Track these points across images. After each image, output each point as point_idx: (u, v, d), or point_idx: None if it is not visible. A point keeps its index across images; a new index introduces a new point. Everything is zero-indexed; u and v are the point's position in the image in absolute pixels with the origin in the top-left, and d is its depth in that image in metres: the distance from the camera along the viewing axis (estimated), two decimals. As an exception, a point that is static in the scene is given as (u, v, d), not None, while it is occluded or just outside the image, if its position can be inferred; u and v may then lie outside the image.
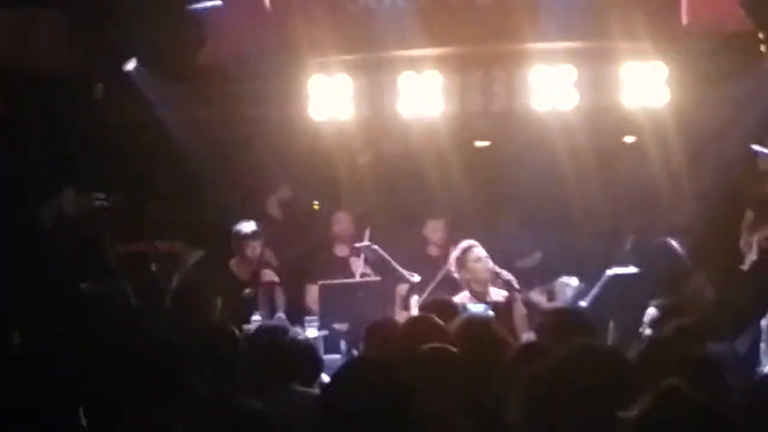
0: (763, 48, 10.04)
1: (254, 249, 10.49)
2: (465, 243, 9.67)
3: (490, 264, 9.55)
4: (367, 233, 10.49)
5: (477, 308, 8.97)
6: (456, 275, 9.57)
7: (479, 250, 9.57)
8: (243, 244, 10.45)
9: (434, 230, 11.12)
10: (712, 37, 10.41)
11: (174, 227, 11.52)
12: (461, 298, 9.25)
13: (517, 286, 9.63)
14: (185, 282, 10.40)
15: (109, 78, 11.58)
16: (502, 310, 9.24)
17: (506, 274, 9.62)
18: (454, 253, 9.67)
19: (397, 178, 11.98)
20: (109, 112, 11.56)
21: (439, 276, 10.02)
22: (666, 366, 5.30)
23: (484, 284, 9.51)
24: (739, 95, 10.65)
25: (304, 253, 11.38)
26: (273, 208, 11.76)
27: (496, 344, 5.73)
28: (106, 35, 11.28)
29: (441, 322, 6.04)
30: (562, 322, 6.34)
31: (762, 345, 7.61)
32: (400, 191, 11.92)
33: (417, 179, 11.67)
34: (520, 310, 9.57)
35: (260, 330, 7.84)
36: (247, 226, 10.53)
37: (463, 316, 6.71)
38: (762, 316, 9.06)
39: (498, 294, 9.53)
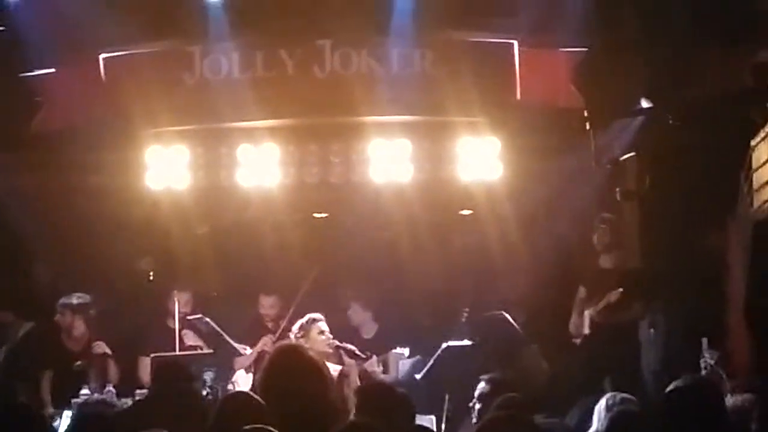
0: (587, 125, 10.23)
1: (84, 321, 10.30)
2: (313, 315, 9.80)
3: (332, 339, 9.72)
4: (176, 304, 10.43)
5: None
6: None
7: (323, 325, 9.78)
8: (72, 316, 10.27)
9: (269, 307, 11.13)
10: (543, 112, 10.58)
11: (4, 298, 11.18)
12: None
13: (360, 354, 9.85)
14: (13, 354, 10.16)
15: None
16: (336, 383, 9.22)
17: (349, 346, 9.80)
18: (300, 321, 9.76)
19: (236, 249, 11.86)
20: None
21: (270, 344, 10.02)
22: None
23: (321, 357, 9.48)
24: (569, 169, 10.84)
25: (138, 324, 11.17)
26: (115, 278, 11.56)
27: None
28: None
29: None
30: (383, 401, 6.44)
31: None
32: (239, 262, 11.81)
33: (255, 250, 11.61)
34: (354, 383, 9.56)
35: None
36: (77, 298, 10.36)
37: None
38: (596, 388, 9.15)
39: (332, 369, 9.51)
